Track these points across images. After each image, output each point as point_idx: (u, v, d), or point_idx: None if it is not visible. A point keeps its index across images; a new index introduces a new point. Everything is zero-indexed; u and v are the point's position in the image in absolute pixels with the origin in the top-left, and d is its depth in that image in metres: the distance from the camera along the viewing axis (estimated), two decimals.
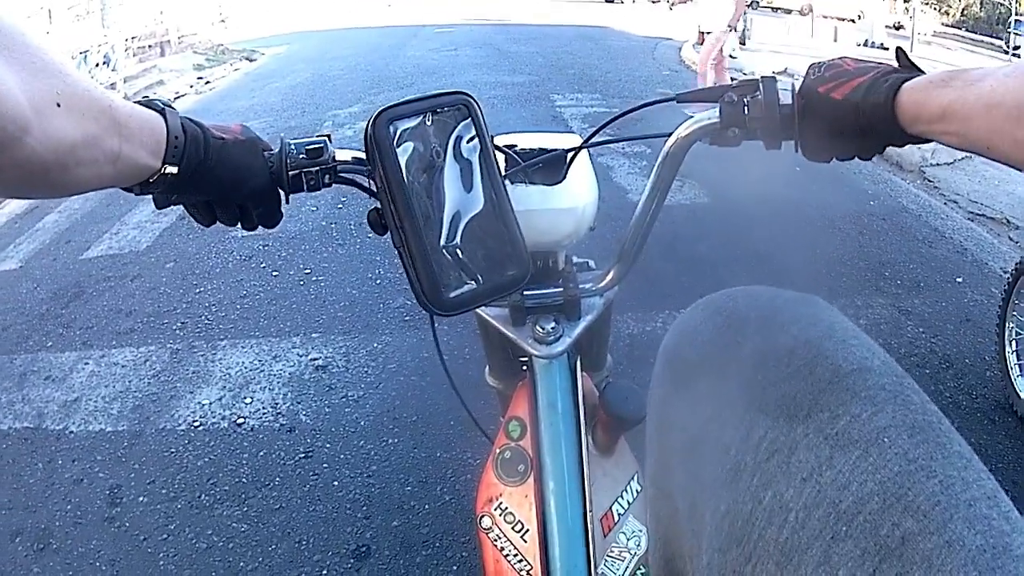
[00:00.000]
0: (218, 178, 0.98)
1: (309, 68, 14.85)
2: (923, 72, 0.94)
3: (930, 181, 6.86)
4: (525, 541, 1.39)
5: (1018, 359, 3.58)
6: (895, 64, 1.00)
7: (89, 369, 4.13)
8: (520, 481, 1.43)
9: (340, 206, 6.26)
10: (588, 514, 1.37)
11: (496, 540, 1.41)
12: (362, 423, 3.49)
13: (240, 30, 21.27)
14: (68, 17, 12.99)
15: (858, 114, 0.96)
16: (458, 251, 1.06)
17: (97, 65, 13.10)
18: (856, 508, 0.60)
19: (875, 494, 0.60)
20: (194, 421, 3.58)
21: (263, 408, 3.65)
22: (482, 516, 1.43)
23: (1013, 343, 3.61)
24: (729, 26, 9.40)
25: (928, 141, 0.94)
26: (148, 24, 16.22)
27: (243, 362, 4.09)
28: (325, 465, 3.22)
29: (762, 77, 1.10)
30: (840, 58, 1.04)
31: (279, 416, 3.58)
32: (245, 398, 3.75)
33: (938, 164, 7.12)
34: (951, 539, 0.55)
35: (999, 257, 5.26)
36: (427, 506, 2.96)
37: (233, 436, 3.45)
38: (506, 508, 1.42)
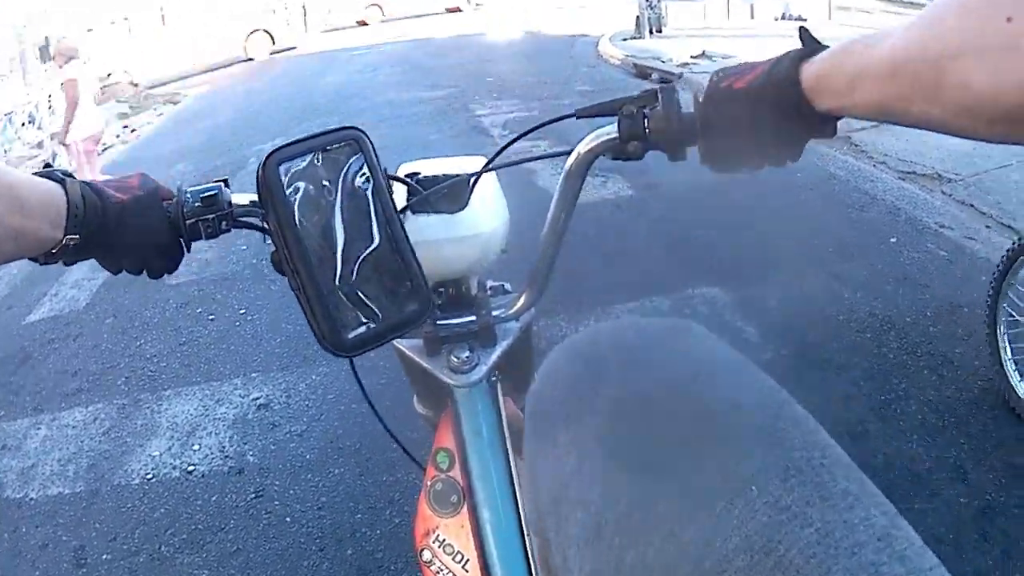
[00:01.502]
0: (120, 240, 0.98)
1: (231, 106, 14.75)
2: (827, 47, 0.86)
3: (857, 145, 6.93)
4: (467, 570, 1.38)
5: (1011, 346, 3.38)
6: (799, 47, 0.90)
7: (42, 434, 4.21)
8: (454, 512, 1.41)
9: (269, 242, 6.22)
10: (527, 539, 1.36)
11: (439, 572, 1.40)
12: (307, 456, 3.60)
13: (160, 72, 21.01)
14: None
15: (763, 100, 0.88)
16: (356, 290, 1.04)
17: (24, 124, 13.03)
18: (720, 567, 0.55)
19: (741, 550, 0.55)
20: (147, 474, 3.68)
21: (211, 453, 3.76)
22: (422, 550, 1.42)
23: (1003, 327, 3.41)
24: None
25: (838, 119, 0.87)
26: None
27: (188, 409, 4.19)
28: (276, 502, 3.33)
29: (660, 87, 1.05)
30: (744, 62, 0.96)
31: (227, 459, 3.69)
32: (193, 445, 3.85)
33: (863, 128, 7.15)
34: None
35: (933, 212, 5.37)
36: (378, 531, 3.08)
37: (185, 484, 3.55)
38: (444, 540, 1.41)
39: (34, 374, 4.94)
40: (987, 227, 5.05)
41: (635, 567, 0.60)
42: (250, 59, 22.49)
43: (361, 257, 1.05)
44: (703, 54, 11.97)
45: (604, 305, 4.58)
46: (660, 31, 15.69)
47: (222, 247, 6.25)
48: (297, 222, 1.01)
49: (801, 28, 0.91)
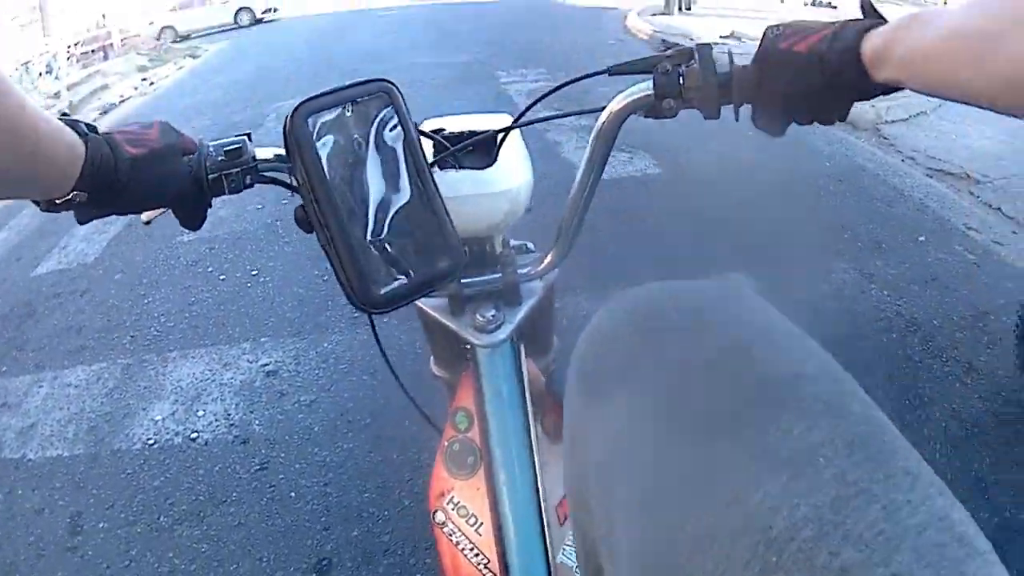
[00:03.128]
0: (131, 195, 0.95)
1: (252, 61, 14.76)
2: (887, 21, 0.89)
3: (886, 139, 6.78)
4: (480, 534, 1.37)
5: None
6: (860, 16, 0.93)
7: (43, 392, 4.09)
8: (471, 474, 1.41)
9: (285, 202, 6.17)
10: (542, 503, 1.35)
11: (451, 535, 1.39)
12: (316, 429, 3.47)
13: (182, 25, 20.97)
14: (12, 27, 12.78)
15: (823, 64, 0.90)
16: (386, 245, 1.02)
17: (40, 74, 12.93)
18: (788, 535, 0.54)
19: (810, 520, 0.55)
20: (148, 439, 3.55)
21: (216, 420, 3.63)
22: (435, 511, 1.41)
23: None
24: None
25: (896, 90, 0.88)
26: (90, 29, 15.99)
27: (194, 373, 4.06)
28: (281, 476, 3.20)
29: (697, 45, 1.05)
30: (798, 20, 0.98)
31: (232, 427, 3.56)
32: (198, 411, 3.72)
33: (893, 121, 7.03)
34: (898, 572, 0.51)
35: (961, 213, 5.20)
36: (386, 512, 2.95)
37: (188, 452, 3.43)
38: (458, 502, 1.40)
39: (38, 329, 4.82)
40: (1014, 232, 4.89)
41: (696, 534, 0.59)
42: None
43: (393, 211, 1.03)
44: (732, 34, 11.87)
45: (626, 286, 4.37)
46: (689, 8, 15.69)
47: (237, 205, 6.15)
48: (327, 175, 0.98)
49: (863, 0, 0.95)
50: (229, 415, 3.66)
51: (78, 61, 14.88)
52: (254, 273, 5.12)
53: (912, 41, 0.79)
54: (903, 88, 0.85)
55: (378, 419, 3.47)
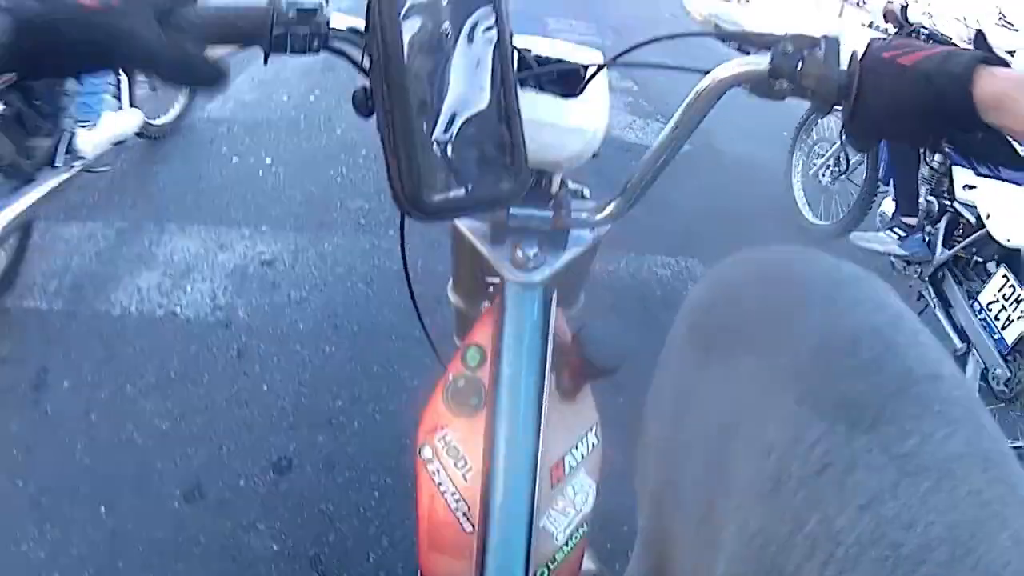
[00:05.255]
0: (80, 62, 0.83)
1: None
2: (1006, 63, 0.85)
3: None
4: (466, 480, 1.29)
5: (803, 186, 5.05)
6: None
7: (31, 242, 3.94)
8: (471, 414, 1.33)
9: (312, 99, 6.06)
10: (538, 464, 1.27)
11: (435, 474, 1.31)
12: (301, 326, 3.40)
13: None
14: None
15: (929, 84, 0.86)
16: (450, 149, 0.94)
17: None
18: (921, 556, 0.50)
19: (944, 541, 0.50)
20: (129, 305, 3.47)
21: (201, 299, 3.55)
22: (423, 445, 1.33)
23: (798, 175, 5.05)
24: None
25: (995, 134, 0.85)
26: None
27: (188, 247, 3.96)
28: (257, 367, 3.13)
29: (824, 35, 1.01)
30: (900, 39, 0.96)
31: (217, 309, 3.48)
32: (185, 286, 3.64)
33: None
34: None
35: None
36: (356, 423, 2.89)
37: (167, 326, 3.35)
38: (450, 441, 1.32)
39: None
40: None
41: (818, 534, 0.54)
42: None
43: (466, 117, 0.94)
44: (786, 35, 11.67)
45: (635, 251, 4.39)
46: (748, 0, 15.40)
47: (264, 92, 6.01)
48: (406, 58, 0.90)
49: (977, 32, 1.04)
50: (215, 296, 3.57)
51: None
52: (268, 161, 4.99)
53: None
54: (1011, 136, 0.85)
55: (365, 329, 3.40)
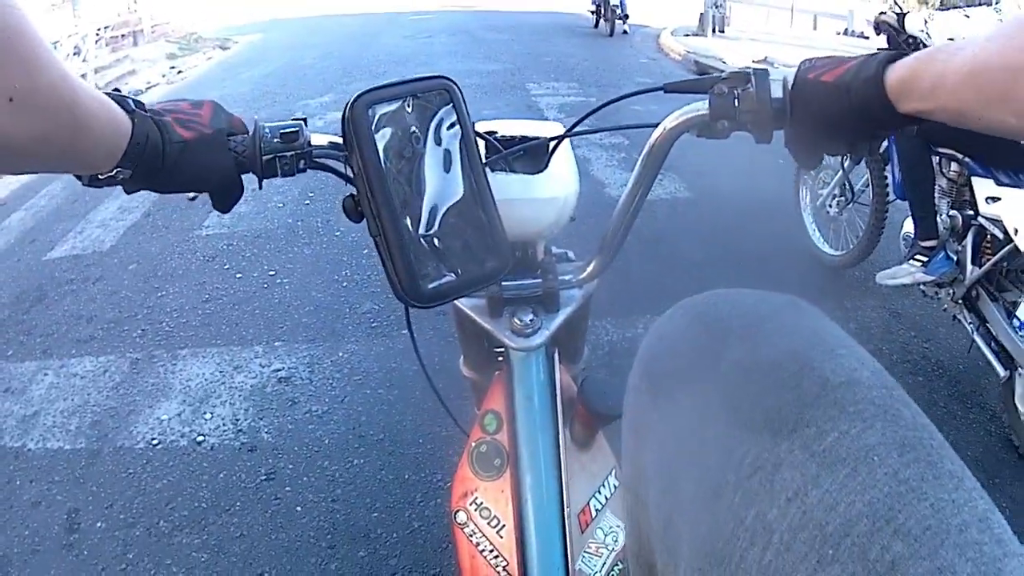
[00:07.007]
0: (172, 179, 0.97)
1: (282, 57, 14.74)
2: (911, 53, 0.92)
3: None
4: (501, 537, 1.37)
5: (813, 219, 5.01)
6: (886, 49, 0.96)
7: (48, 380, 3.99)
8: (496, 476, 1.41)
9: (307, 202, 6.14)
10: (565, 509, 1.35)
11: (472, 535, 1.39)
12: (326, 441, 3.37)
13: (215, 18, 21.03)
14: (43, 7, 12.72)
15: (849, 94, 0.94)
16: (436, 241, 1.03)
17: (68, 56, 12.87)
18: (844, 530, 0.57)
19: (864, 516, 0.57)
20: (152, 439, 3.45)
21: (223, 424, 3.53)
22: (457, 511, 1.41)
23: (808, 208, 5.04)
24: None
25: (921, 122, 0.92)
26: (121, 13, 15.97)
27: (203, 373, 3.96)
28: (288, 488, 3.10)
29: (753, 69, 1.08)
30: (832, 55, 1.02)
31: (240, 433, 3.46)
32: (205, 413, 3.62)
33: None
34: (942, 566, 0.53)
35: None
36: (395, 534, 2.85)
37: (192, 455, 3.33)
38: (481, 503, 1.40)
39: (48, 315, 4.71)
40: None
41: (755, 527, 0.61)
42: None
43: (446, 208, 1.05)
44: (764, 60, 11.83)
45: (655, 313, 4.29)
46: (723, 31, 15.60)
47: (258, 202, 6.05)
48: (383, 165, 0.99)
49: (889, 33, 1.04)
50: (237, 420, 3.56)
51: (107, 45, 14.78)
52: (272, 274, 5.02)
53: (935, 73, 0.83)
54: (928, 118, 0.89)
55: (391, 435, 3.37)
